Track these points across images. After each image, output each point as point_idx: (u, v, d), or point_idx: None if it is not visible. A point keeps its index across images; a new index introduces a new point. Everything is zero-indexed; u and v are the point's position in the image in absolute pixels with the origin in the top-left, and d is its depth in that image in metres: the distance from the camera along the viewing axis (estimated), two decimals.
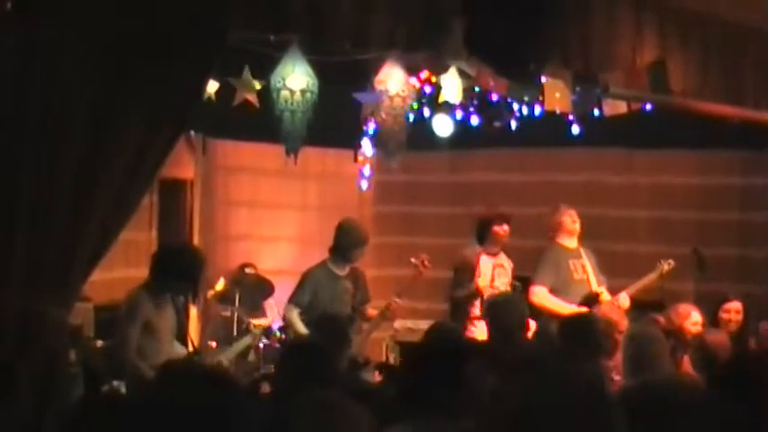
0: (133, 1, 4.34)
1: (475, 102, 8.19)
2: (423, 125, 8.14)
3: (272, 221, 9.60)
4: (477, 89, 7.52)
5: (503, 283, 7.46)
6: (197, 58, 4.50)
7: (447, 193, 10.11)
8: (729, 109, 6.93)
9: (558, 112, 6.98)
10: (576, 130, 8.21)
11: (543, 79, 6.38)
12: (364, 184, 9.46)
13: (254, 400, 5.07)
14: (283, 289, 7.91)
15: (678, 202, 9.30)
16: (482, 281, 7.36)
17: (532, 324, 7.09)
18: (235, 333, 7.88)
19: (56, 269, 4.26)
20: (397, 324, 8.47)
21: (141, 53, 4.31)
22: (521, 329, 5.92)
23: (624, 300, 7.33)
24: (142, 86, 4.34)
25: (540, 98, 6.80)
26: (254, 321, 7.92)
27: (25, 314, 4.21)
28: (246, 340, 7.31)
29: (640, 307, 7.27)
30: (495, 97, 7.89)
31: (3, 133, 4.21)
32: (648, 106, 7.55)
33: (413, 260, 7.45)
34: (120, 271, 7.31)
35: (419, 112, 7.98)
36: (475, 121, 8.49)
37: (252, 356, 7.55)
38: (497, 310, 5.99)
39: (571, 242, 7.57)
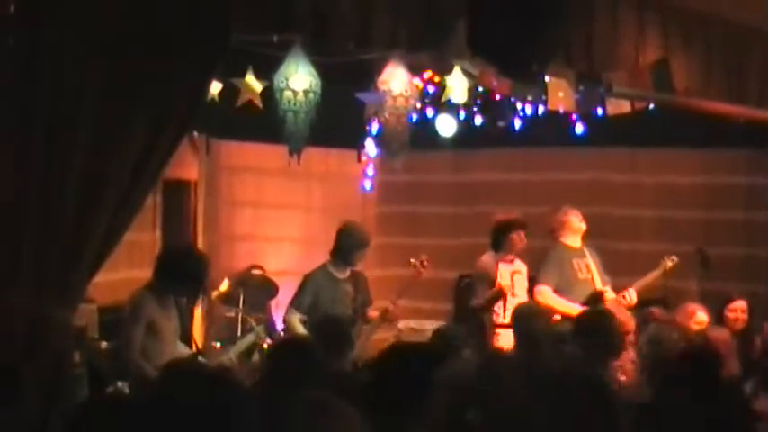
0: (135, 1, 4.35)
1: (478, 101, 8.18)
2: (426, 125, 8.15)
3: (276, 222, 9.60)
4: (480, 89, 7.52)
5: (522, 289, 7.36)
6: (199, 59, 4.50)
7: (450, 192, 10.11)
8: (733, 108, 6.93)
9: (561, 111, 6.98)
10: (579, 129, 8.21)
11: (546, 79, 6.37)
12: (368, 185, 9.46)
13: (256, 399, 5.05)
14: (287, 289, 7.91)
15: (682, 201, 9.30)
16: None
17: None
18: (239, 334, 7.88)
19: (60, 270, 4.27)
20: (401, 324, 8.47)
21: (143, 53, 4.31)
22: (549, 340, 5.86)
23: (632, 295, 7.32)
24: (145, 87, 4.34)
25: (544, 97, 6.79)
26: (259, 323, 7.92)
27: (31, 315, 4.22)
28: (250, 338, 7.31)
29: (643, 305, 7.27)
30: (498, 97, 7.89)
31: (7, 135, 4.22)
32: (652, 105, 7.54)
33: (412, 261, 7.44)
34: (124, 272, 7.31)
35: (422, 112, 7.98)
36: (478, 120, 8.49)
37: (256, 356, 7.55)
38: (527, 321, 5.95)
39: (575, 241, 7.57)
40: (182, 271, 5.73)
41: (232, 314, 8.20)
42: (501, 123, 8.47)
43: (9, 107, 4.21)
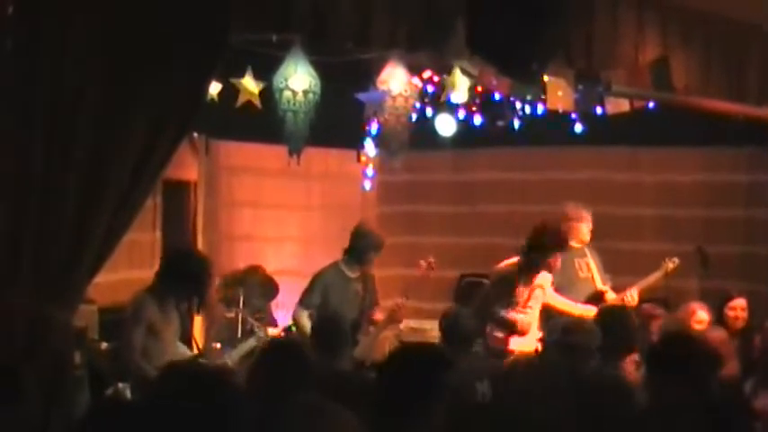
0: (134, 2, 4.34)
1: (478, 101, 8.18)
2: (426, 125, 8.14)
3: (276, 222, 9.60)
4: (480, 88, 7.51)
5: (538, 303, 7.00)
6: (198, 58, 4.50)
7: (450, 192, 10.11)
8: (732, 106, 6.92)
9: (560, 110, 6.98)
10: (579, 128, 8.21)
11: (546, 78, 6.37)
12: (367, 185, 9.46)
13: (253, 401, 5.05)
14: (287, 289, 7.91)
15: (683, 199, 9.30)
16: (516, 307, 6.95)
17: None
18: (239, 335, 7.87)
19: (60, 271, 4.26)
20: (402, 324, 8.47)
21: (143, 53, 4.31)
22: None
23: (634, 295, 7.31)
24: (144, 87, 4.34)
25: (543, 97, 6.79)
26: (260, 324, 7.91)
27: (31, 316, 4.22)
28: (251, 342, 7.30)
29: (643, 304, 7.27)
30: (497, 96, 7.88)
31: (7, 136, 4.22)
32: (651, 104, 7.54)
33: (422, 262, 7.43)
34: (124, 272, 7.32)
35: (422, 112, 7.98)
36: (478, 120, 8.48)
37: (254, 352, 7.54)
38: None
39: (576, 242, 7.58)
40: (184, 273, 5.74)
41: (232, 315, 8.19)
42: (500, 123, 8.47)
43: (9, 107, 4.21)
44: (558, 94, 6.54)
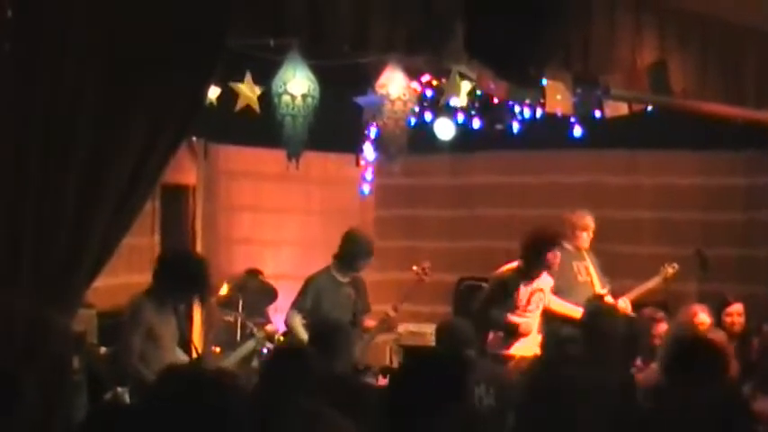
0: (133, 4, 4.35)
1: (476, 104, 8.18)
2: (424, 128, 8.14)
3: (275, 226, 9.60)
4: (478, 92, 7.52)
5: (538, 307, 7.08)
6: (198, 61, 4.50)
7: (449, 196, 10.11)
8: (730, 109, 6.93)
9: (559, 114, 6.98)
10: (577, 131, 8.21)
11: (544, 81, 6.38)
12: (366, 188, 9.46)
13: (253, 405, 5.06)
14: (286, 293, 7.91)
15: (681, 202, 9.29)
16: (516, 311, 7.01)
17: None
18: (238, 338, 7.87)
19: (59, 275, 4.27)
20: (401, 328, 8.48)
21: (142, 56, 4.31)
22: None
23: (624, 304, 7.33)
24: (143, 89, 4.35)
25: (542, 100, 6.79)
26: (268, 327, 7.92)
27: (31, 320, 4.22)
28: (250, 345, 7.31)
29: (643, 308, 7.26)
30: (496, 100, 7.88)
31: (6, 139, 4.22)
32: (650, 107, 7.55)
33: (414, 268, 7.42)
34: (123, 277, 7.30)
35: (420, 116, 7.98)
36: (476, 123, 8.48)
37: (255, 362, 7.54)
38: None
39: (573, 248, 7.59)
40: (182, 276, 5.73)
41: (231, 319, 8.19)
42: (499, 126, 8.46)
43: (8, 108, 4.21)
44: (557, 97, 6.54)
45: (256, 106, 6.26)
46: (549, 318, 7.24)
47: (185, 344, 6.28)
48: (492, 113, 8.38)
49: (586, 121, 7.75)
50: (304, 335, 6.85)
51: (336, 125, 6.85)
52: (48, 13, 4.23)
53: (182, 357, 6.01)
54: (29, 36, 4.24)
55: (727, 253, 8.82)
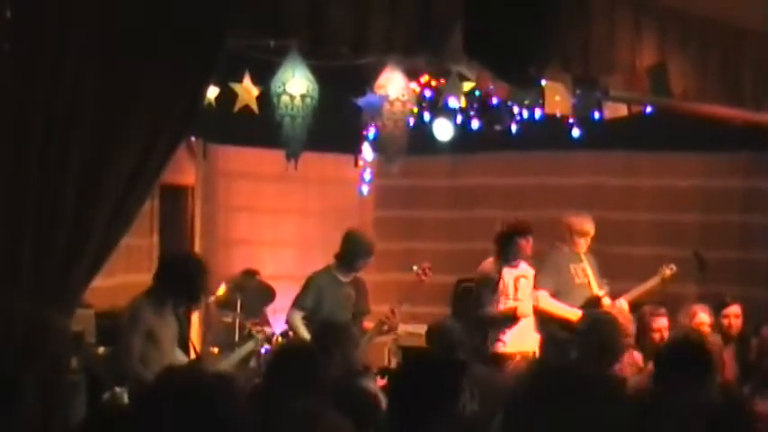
0: (132, 5, 4.35)
1: (475, 105, 8.18)
2: (423, 129, 8.14)
3: (273, 227, 9.59)
4: (477, 93, 7.52)
5: (526, 294, 7.26)
6: (197, 63, 4.50)
7: (448, 197, 10.10)
8: (729, 111, 6.93)
9: (558, 115, 6.98)
10: (576, 133, 8.20)
11: (543, 82, 6.38)
12: (365, 189, 9.46)
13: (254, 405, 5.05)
14: (284, 294, 7.91)
15: (679, 204, 9.29)
16: (505, 298, 7.20)
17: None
18: (236, 339, 7.87)
19: (58, 275, 4.27)
20: (399, 329, 8.46)
21: (141, 57, 4.31)
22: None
23: (623, 306, 7.33)
24: (143, 90, 4.34)
25: (541, 101, 6.79)
26: (257, 328, 7.90)
27: (29, 321, 4.22)
28: (249, 346, 7.30)
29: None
30: (495, 101, 7.88)
31: (6, 139, 4.22)
32: (649, 109, 7.55)
33: (414, 268, 7.43)
34: (122, 277, 7.30)
35: (419, 117, 7.98)
36: (475, 124, 8.48)
37: (253, 362, 7.54)
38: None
39: (571, 252, 7.60)
40: (181, 276, 5.74)
41: (229, 319, 8.19)
42: (498, 127, 8.46)
43: (8, 109, 4.21)
44: (556, 98, 6.54)
45: (255, 107, 6.26)
46: (546, 320, 7.25)
47: (184, 345, 6.28)
48: (491, 114, 8.38)
49: (585, 122, 7.74)
50: (306, 333, 6.85)
51: (335, 126, 6.84)
52: (47, 13, 4.23)
53: (182, 358, 6.01)
54: (29, 36, 4.23)
55: (726, 255, 8.81)
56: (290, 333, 7.29)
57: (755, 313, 7.27)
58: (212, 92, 6.22)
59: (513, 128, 8.48)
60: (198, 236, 9.00)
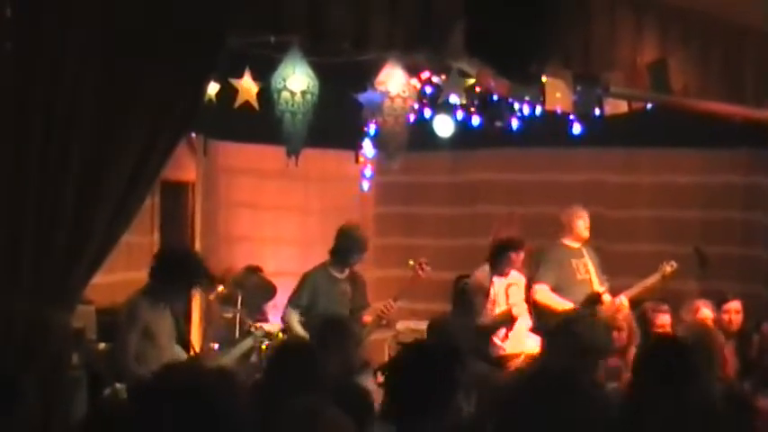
0: (132, 3, 4.34)
1: (476, 102, 8.17)
2: (424, 126, 8.14)
3: (274, 223, 9.59)
4: (478, 89, 7.51)
5: (518, 299, 7.27)
6: (197, 62, 4.50)
7: (448, 193, 10.10)
8: (730, 108, 6.92)
9: (559, 111, 6.97)
10: (577, 129, 8.21)
11: (544, 79, 6.37)
12: (365, 185, 9.45)
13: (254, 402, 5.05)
14: (285, 290, 7.91)
15: (680, 201, 9.29)
16: (496, 306, 7.21)
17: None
18: (237, 335, 7.87)
19: (59, 272, 4.27)
20: (400, 325, 8.48)
21: (141, 54, 4.31)
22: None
23: (623, 302, 7.33)
24: (143, 90, 4.34)
25: (541, 98, 6.79)
26: (257, 324, 7.90)
27: (29, 321, 4.22)
28: (248, 342, 7.30)
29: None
30: (496, 97, 7.88)
31: (6, 140, 4.22)
32: (649, 105, 7.54)
33: (411, 263, 7.42)
34: (122, 273, 7.30)
35: (420, 113, 7.97)
36: (476, 121, 8.48)
37: (254, 357, 7.54)
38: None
39: (574, 242, 7.60)
40: (180, 274, 5.73)
41: (230, 315, 8.19)
42: (498, 124, 8.46)
43: (8, 109, 4.21)
44: (557, 95, 6.53)
45: (256, 103, 6.25)
46: (541, 313, 7.26)
47: (183, 341, 6.28)
48: (491, 111, 8.38)
49: (586, 118, 7.74)
50: (301, 331, 6.86)
51: (336, 122, 6.84)
52: (48, 13, 4.23)
53: (180, 355, 6.01)
54: (29, 35, 4.23)
55: (727, 251, 8.81)
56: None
57: (756, 310, 7.28)
58: (213, 88, 6.21)
59: (514, 124, 8.48)
60: (198, 232, 9.00)
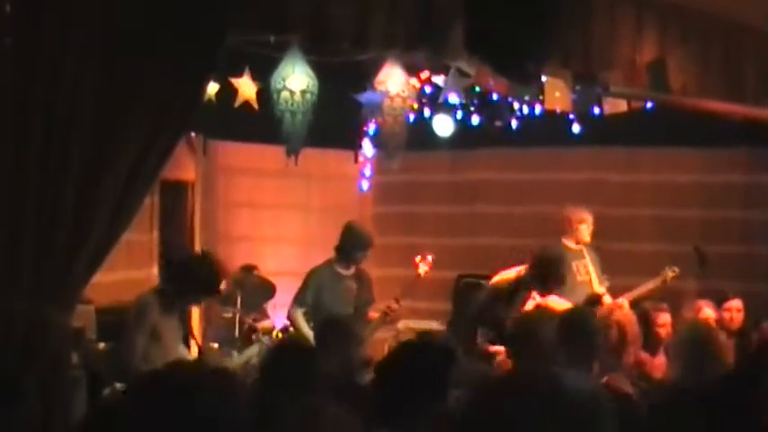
0: (132, 4, 4.34)
1: (475, 101, 8.18)
2: (423, 125, 8.14)
3: (273, 222, 9.60)
4: (477, 89, 7.51)
5: None
6: (197, 62, 4.50)
7: (447, 192, 10.10)
8: (730, 107, 6.92)
9: (558, 111, 6.97)
10: (576, 128, 8.21)
11: (543, 78, 6.37)
12: (365, 185, 9.46)
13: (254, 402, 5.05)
14: (286, 290, 7.91)
15: (680, 199, 9.28)
16: None
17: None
18: (237, 334, 7.87)
19: (58, 271, 4.27)
20: (400, 324, 8.47)
21: (141, 54, 4.31)
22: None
23: (624, 304, 7.31)
24: (143, 90, 4.34)
25: (541, 97, 6.79)
26: (261, 325, 7.90)
27: (29, 321, 4.22)
28: (254, 349, 7.30)
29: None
30: (495, 96, 7.88)
31: (6, 140, 4.22)
32: (649, 104, 7.54)
33: (417, 258, 7.41)
34: (122, 273, 7.30)
35: (420, 112, 7.97)
36: (475, 120, 8.48)
37: (255, 359, 7.54)
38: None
39: (575, 244, 7.59)
40: (195, 279, 5.72)
41: (229, 315, 8.19)
42: (498, 123, 8.46)
43: (8, 109, 4.21)
44: (556, 94, 6.53)
45: (255, 102, 6.25)
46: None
47: (186, 341, 6.27)
48: (491, 110, 8.38)
49: (585, 118, 7.74)
50: (307, 329, 6.86)
51: (335, 121, 6.84)
52: (47, 13, 4.23)
53: (185, 355, 6.00)
54: (29, 35, 4.23)
55: (727, 250, 8.81)
56: (291, 329, 7.29)
57: (756, 308, 7.28)
58: (212, 87, 6.22)
59: (514, 123, 8.48)
60: (198, 232, 9.00)
